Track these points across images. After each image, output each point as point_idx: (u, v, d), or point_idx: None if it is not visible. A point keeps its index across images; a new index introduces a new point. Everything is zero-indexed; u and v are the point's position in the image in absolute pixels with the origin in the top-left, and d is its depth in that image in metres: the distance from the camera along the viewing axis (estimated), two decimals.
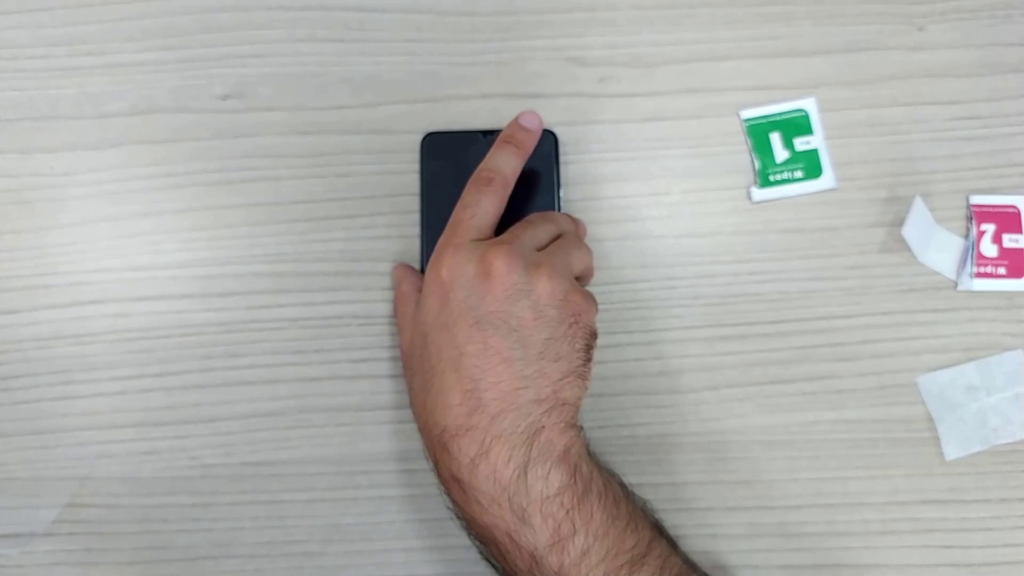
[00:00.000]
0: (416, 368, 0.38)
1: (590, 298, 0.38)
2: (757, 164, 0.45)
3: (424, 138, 0.45)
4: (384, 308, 0.44)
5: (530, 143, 0.41)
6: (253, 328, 0.44)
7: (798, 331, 0.44)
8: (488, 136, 0.44)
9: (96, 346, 0.44)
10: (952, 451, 0.43)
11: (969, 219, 0.45)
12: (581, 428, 0.37)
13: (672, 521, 0.42)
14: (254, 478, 0.43)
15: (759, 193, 0.45)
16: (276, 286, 0.44)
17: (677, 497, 0.43)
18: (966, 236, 0.45)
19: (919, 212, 0.44)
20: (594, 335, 0.38)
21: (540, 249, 0.38)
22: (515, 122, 0.41)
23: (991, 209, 0.45)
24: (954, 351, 0.44)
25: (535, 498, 0.34)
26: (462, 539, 0.38)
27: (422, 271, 0.43)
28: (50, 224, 0.45)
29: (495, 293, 0.36)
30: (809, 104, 0.46)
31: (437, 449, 0.36)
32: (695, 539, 0.42)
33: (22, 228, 0.45)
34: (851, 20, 0.47)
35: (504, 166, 0.40)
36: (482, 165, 0.40)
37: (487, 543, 0.36)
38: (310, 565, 0.43)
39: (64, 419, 0.44)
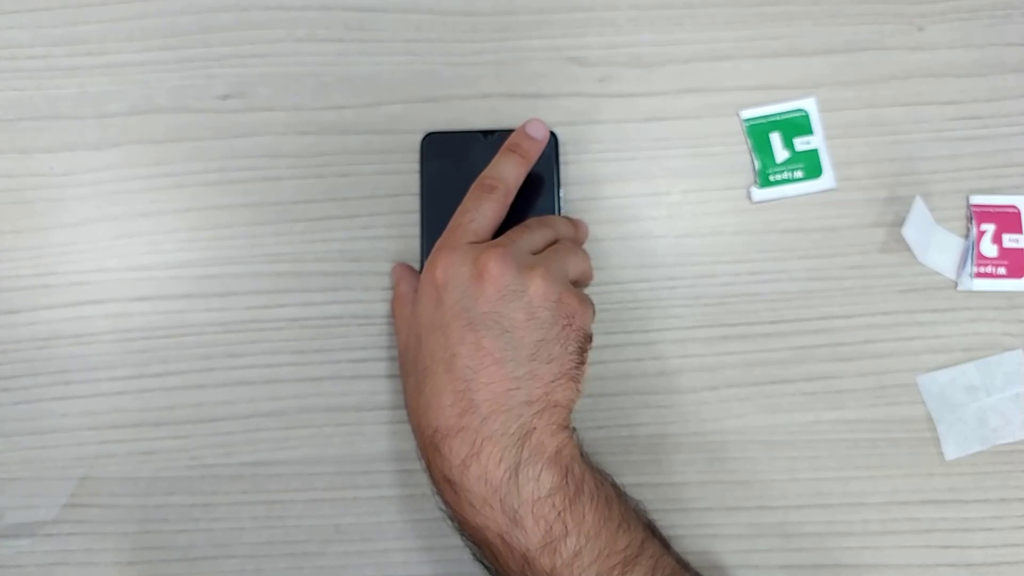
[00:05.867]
0: (410, 369, 0.38)
1: (586, 301, 0.38)
2: (757, 164, 0.45)
3: (424, 138, 0.45)
4: (384, 308, 0.44)
5: (535, 152, 0.41)
6: (253, 328, 0.44)
7: (798, 331, 0.44)
8: (488, 136, 0.44)
9: (96, 346, 0.44)
10: (952, 451, 0.43)
11: (969, 219, 0.45)
12: (574, 430, 0.37)
13: (672, 521, 0.42)
14: (254, 478, 0.43)
15: (759, 193, 0.45)
16: (276, 286, 0.44)
17: (677, 497, 0.43)
18: (966, 236, 0.45)
19: (919, 212, 0.44)
20: (588, 338, 0.38)
21: (536, 253, 0.38)
22: (521, 130, 0.41)
23: (991, 209, 0.45)
24: (954, 351, 0.44)
25: (526, 499, 0.34)
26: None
27: (422, 271, 0.43)
28: (50, 224, 0.45)
29: (488, 294, 0.36)
30: (809, 104, 0.46)
31: (429, 450, 0.36)
32: (695, 539, 0.42)
33: (22, 228, 0.45)
34: (851, 20, 0.47)
35: (507, 174, 0.40)
36: (485, 172, 0.40)
37: (480, 545, 0.36)
38: (310, 565, 0.43)
39: (64, 419, 0.44)
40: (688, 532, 0.42)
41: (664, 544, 0.37)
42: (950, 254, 0.45)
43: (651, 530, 0.36)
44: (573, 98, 0.46)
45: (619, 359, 0.44)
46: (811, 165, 0.45)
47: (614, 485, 0.37)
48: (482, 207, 0.39)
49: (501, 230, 0.40)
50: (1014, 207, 0.45)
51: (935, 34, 0.47)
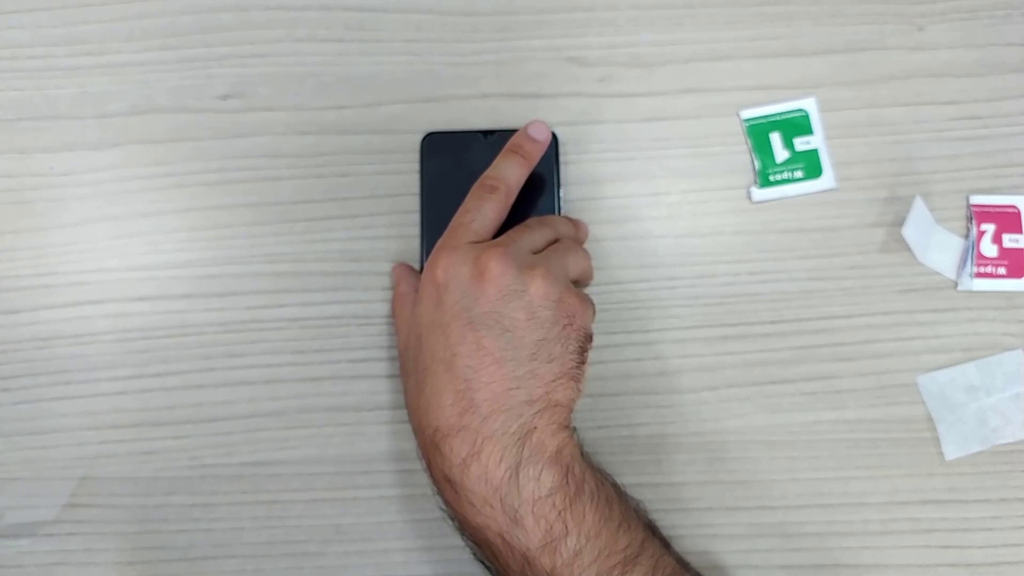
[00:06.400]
0: (411, 368, 0.38)
1: (586, 300, 0.38)
2: (757, 164, 0.45)
3: (424, 138, 0.45)
4: (384, 308, 0.44)
5: (537, 153, 0.41)
6: (253, 328, 0.44)
7: (798, 331, 0.44)
8: (488, 136, 0.44)
9: (96, 346, 0.44)
10: (952, 451, 0.43)
11: (969, 219, 0.45)
12: (575, 429, 0.37)
13: (672, 521, 0.42)
14: (254, 478, 0.43)
15: (759, 193, 0.45)
16: (276, 286, 0.44)
17: (677, 497, 0.43)
18: (966, 236, 0.45)
19: (919, 212, 0.44)
20: (589, 338, 0.38)
21: (537, 252, 0.38)
22: (524, 132, 0.41)
23: (991, 209, 0.45)
24: (954, 351, 0.44)
25: (527, 499, 0.34)
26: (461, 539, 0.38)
27: (422, 271, 0.43)
28: (50, 224, 0.45)
29: (488, 294, 0.36)
30: (809, 104, 0.46)
31: (429, 449, 0.36)
32: (695, 539, 0.42)
33: (22, 228, 0.45)
34: (851, 20, 0.47)
35: (509, 175, 0.40)
36: (487, 173, 0.40)
37: (480, 544, 0.36)
38: (310, 565, 0.43)
39: (64, 419, 0.44)
40: (688, 532, 0.42)
41: (664, 544, 0.37)
42: (950, 254, 0.45)
43: (651, 530, 0.36)
44: (573, 98, 0.46)
45: (619, 359, 0.44)
46: (811, 165, 0.45)
47: (615, 485, 0.37)
48: (483, 207, 0.39)
49: (501, 230, 0.40)
50: (1014, 207, 0.45)
51: (935, 34, 0.47)
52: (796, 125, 0.46)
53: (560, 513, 0.34)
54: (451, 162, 0.44)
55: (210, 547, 0.43)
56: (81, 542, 0.43)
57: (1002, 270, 0.44)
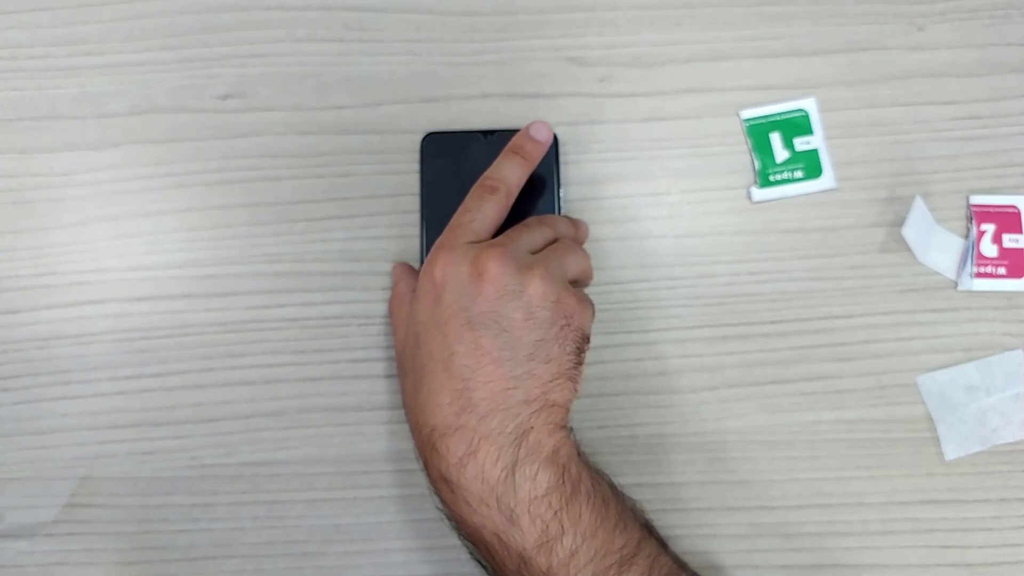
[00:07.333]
0: (408, 368, 0.38)
1: (585, 301, 0.38)
2: (757, 164, 0.45)
3: (424, 138, 0.45)
4: (384, 308, 0.44)
5: (538, 154, 0.41)
6: (253, 328, 0.44)
7: (798, 331, 0.44)
8: (488, 136, 0.44)
9: (96, 346, 0.44)
10: (952, 451, 0.43)
11: (969, 219, 0.45)
12: (571, 430, 0.37)
13: (672, 521, 0.42)
14: (254, 478, 0.43)
15: (759, 193, 0.45)
16: (276, 286, 0.44)
17: (677, 497, 0.43)
18: (966, 236, 0.45)
19: (919, 212, 0.44)
20: (586, 339, 0.38)
21: (536, 252, 0.38)
22: (525, 132, 0.41)
23: (991, 209, 0.45)
24: (954, 351, 0.44)
25: (523, 498, 0.34)
26: None
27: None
28: (50, 224, 0.45)
29: (487, 294, 0.36)
30: (809, 104, 0.46)
31: (426, 448, 0.36)
32: (695, 539, 0.42)
33: (22, 228, 0.45)
34: (851, 20, 0.47)
35: (509, 176, 0.40)
36: (487, 173, 0.40)
37: (476, 544, 0.36)
38: (310, 565, 0.43)
39: (64, 419, 0.44)
40: (688, 532, 0.42)
41: (661, 544, 0.37)
42: (950, 254, 0.45)
43: (648, 530, 0.36)
44: (573, 98, 0.46)
45: (619, 359, 0.44)
46: (811, 165, 0.45)
47: (611, 485, 0.37)
48: (483, 207, 0.39)
49: (501, 231, 0.40)
50: (1014, 207, 0.45)
51: (935, 34, 0.47)
52: (796, 125, 0.46)
53: (556, 513, 0.34)
54: (451, 162, 0.44)
55: (210, 547, 0.43)
56: (81, 542, 0.43)
57: (1002, 270, 0.44)
